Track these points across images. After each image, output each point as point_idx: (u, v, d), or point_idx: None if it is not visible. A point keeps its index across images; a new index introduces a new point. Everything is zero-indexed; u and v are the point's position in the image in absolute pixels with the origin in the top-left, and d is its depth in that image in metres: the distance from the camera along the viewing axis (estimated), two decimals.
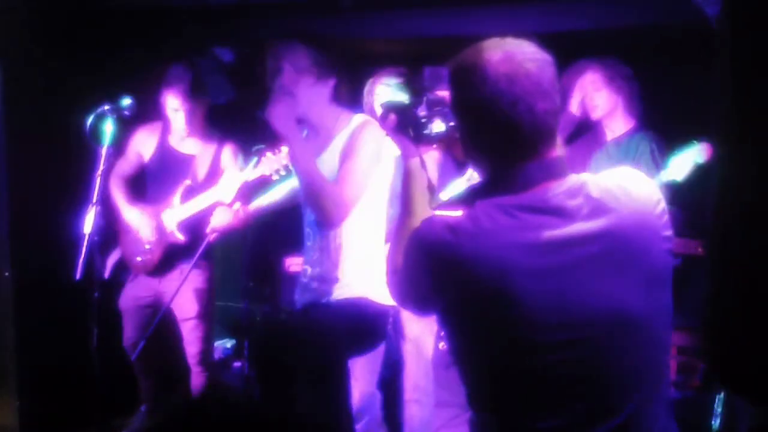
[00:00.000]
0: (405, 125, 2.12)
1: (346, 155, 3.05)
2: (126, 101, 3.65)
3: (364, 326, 3.10)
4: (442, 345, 4.70)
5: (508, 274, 1.66)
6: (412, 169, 2.11)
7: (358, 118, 3.17)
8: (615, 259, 1.69)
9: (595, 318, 1.68)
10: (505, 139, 1.74)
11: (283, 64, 3.07)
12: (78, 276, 3.45)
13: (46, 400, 4.34)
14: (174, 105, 4.04)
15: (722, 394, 3.52)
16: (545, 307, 1.66)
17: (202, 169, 4.16)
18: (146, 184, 4.19)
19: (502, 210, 1.72)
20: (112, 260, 4.14)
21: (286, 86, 3.05)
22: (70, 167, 4.13)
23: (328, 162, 3.11)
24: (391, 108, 2.18)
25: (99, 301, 3.43)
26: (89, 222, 3.40)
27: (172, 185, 4.10)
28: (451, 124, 2.05)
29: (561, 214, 1.70)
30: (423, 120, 2.09)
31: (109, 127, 3.55)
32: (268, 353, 2.97)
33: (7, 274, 4.18)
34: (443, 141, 2.09)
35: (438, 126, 2.07)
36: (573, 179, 1.76)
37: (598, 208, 1.71)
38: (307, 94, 3.08)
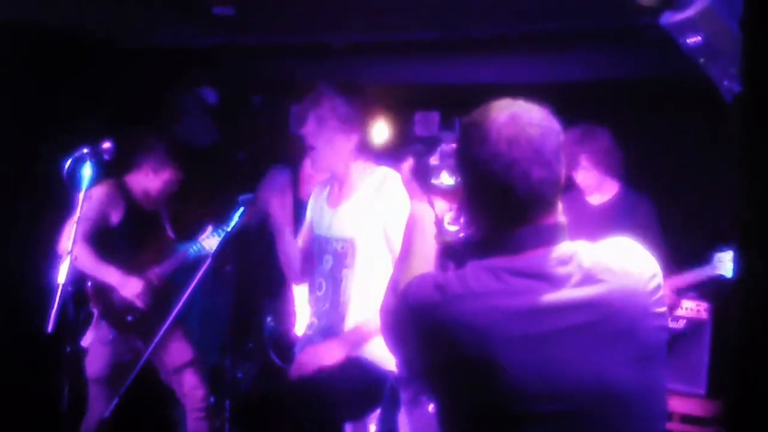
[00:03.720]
0: (418, 171, 2.12)
1: (387, 226, 3.01)
2: (106, 145, 3.49)
3: (363, 389, 2.99)
4: (431, 407, 4.60)
5: (491, 339, 1.61)
6: (418, 215, 2.08)
7: (382, 171, 3.12)
8: (602, 331, 1.64)
9: (580, 391, 1.62)
10: (498, 201, 1.71)
11: (309, 114, 3.07)
12: (50, 329, 3.25)
13: None
14: (156, 167, 4.04)
15: None
16: (528, 377, 1.61)
17: (170, 223, 4.18)
18: (114, 243, 4.04)
19: (490, 272, 1.68)
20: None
21: (310, 136, 3.07)
22: (43, 212, 3.98)
23: (349, 209, 3.10)
24: (409, 152, 2.18)
25: (71, 355, 3.22)
26: (63, 272, 3.20)
27: (142, 242, 4.06)
28: (456, 179, 2.02)
29: (550, 280, 1.66)
30: (434, 168, 2.07)
31: (87, 172, 3.37)
32: (257, 414, 2.88)
33: None
34: (449, 193, 2.05)
35: (446, 178, 2.05)
36: (566, 247, 1.71)
37: (587, 278, 1.67)
38: (331, 145, 3.07)
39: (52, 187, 3.82)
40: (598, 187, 4.10)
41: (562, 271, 1.67)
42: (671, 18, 3.11)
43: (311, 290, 3.22)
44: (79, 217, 3.40)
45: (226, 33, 4.25)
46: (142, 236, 4.08)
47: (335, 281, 3.10)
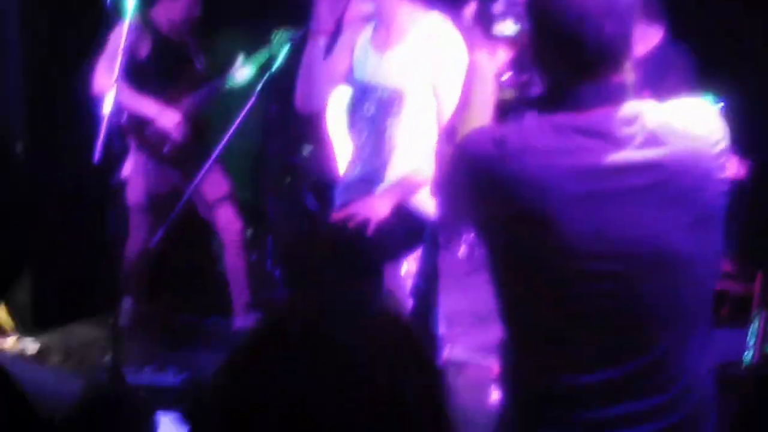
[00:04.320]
0: (480, 17, 2.03)
1: (439, 74, 2.89)
2: None
3: (404, 231, 3.00)
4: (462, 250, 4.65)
5: (549, 196, 1.60)
6: (478, 64, 2.01)
7: (434, 17, 2.98)
8: (661, 194, 1.62)
9: (635, 251, 1.62)
10: (566, 55, 1.66)
11: None
12: (97, 158, 3.30)
13: (59, 278, 4.29)
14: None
15: (756, 325, 3.44)
16: (584, 235, 1.60)
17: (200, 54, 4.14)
18: (145, 77, 4.00)
19: (552, 129, 1.65)
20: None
21: None
22: (90, 41, 3.93)
23: (397, 57, 2.98)
24: None
25: (115, 186, 3.28)
26: (108, 103, 3.21)
27: (173, 75, 4.05)
28: (522, 27, 1.94)
29: (612, 140, 1.63)
30: (497, 16, 1.99)
31: (130, 2, 3.32)
32: (296, 252, 2.90)
33: (21, 149, 4.06)
34: (512, 44, 1.99)
35: (510, 26, 1.97)
36: (631, 106, 1.66)
37: (651, 140, 1.63)
38: None
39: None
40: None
41: (625, 131, 1.63)
42: None
43: (350, 135, 3.17)
44: (116, 51, 3.39)
45: None
46: (172, 68, 4.05)
47: (378, 130, 3.03)
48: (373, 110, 3.04)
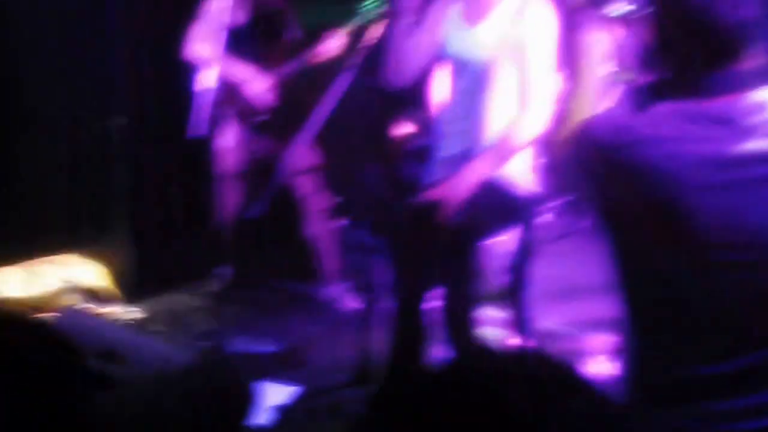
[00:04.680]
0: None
1: (527, 45, 2.87)
2: None
3: (505, 207, 2.99)
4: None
5: (678, 185, 1.56)
6: (590, 45, 1.97)
7: None
8: None
9: (765, 241, 1.57)
10: (696, 39, 1.60)
11: None
12: (193, 128, 3.36)
13: (160, 246, 4.40)
14: None
15: None
16: (713, 225, 1.56)
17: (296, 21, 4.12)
18: (241, 43, 4.01)
19: (680, 116, 1.60)
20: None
21: None
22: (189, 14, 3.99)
23: (489, 30, 2.95)
24: None
25: (213, 154, 3.32)
26: (206, 71, 3.25)
27: (270, 41, 4.06)
28: (635, 7, 1.91)
29: (740, 129, 1.58)
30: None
31: None
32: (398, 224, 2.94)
33: (120, 118, 4.16)
34: (626, 22, 1.98)
35: (624, 5, 1.98)
36: (759, 94, 1.61)
37: None
38: None
39: None
40: None
41: (753, 119, 1.58)
42: None
43: (446, 109, 3.15)
44: (212, 17, 3.42)
45: None
46: (267, 36, 4.06)
47: (472, 102, 3.01)
48: (467, 84, 3.02)
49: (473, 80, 3.00)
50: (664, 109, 1.63)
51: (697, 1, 1.57)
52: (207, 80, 3.58)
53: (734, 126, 1.58)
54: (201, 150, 3.88)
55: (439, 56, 3.11)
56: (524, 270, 3.22)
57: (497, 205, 2.96)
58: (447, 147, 3.12)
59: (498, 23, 2.93)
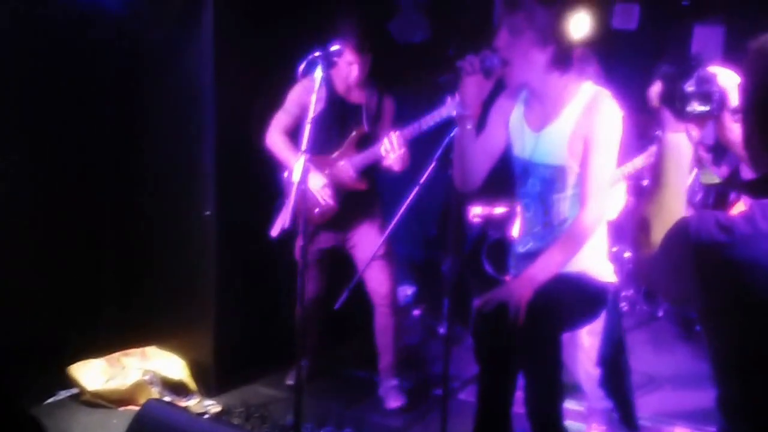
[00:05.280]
0: (671, 97, 1.98)
1: (590, 143, 2.88)
2: (335, 47, 3.58)
3: (585, 300, 2.97)
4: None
5: None
6: (672, 144, 1.96)
7: (589, 88, 2.96)
8: None
9: None
10: None
11: (502, 24, 2.88)
12: (288, 225, 3.44)
13: (237, 339, 4.44)
14: (349, 58, 4.00)
15: None
16: None
17: (370, 117, 4.16)
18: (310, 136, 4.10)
19: None
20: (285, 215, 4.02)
21: (504, 49, 2.86)
22: (275, 111, 4.14)
23: (555, 134, 2.96)
24: (661, 76, 2.04)
25: (302, 250, 3.37)
26: (298, 170, 3.34)
27: (341, 134, 4.12)
28: (714, 105, 1.93)
29: None
30: (688, 95, 1.95)
31: (318, 74, 3.46)
32: (486, 324, 2.82)
33: (208, 213, 4.25)
34: (702, 121, 1.95)
35: (701, 105, 1.94)
36: None
37: None
38: (526, 58, 2.87)
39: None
40: None
41: None
42: None
43: (521, 209, 3.16)
44: (292, 107, 3.62)
45: None
46: (342, 128, 4.13)
47: (545, 205, 3.02)
48: (539, 186, 3.03)
49: (544, 183, 3.01)
50: (762, 206, 1.62)
51: None
52: (290, 173, 3.64)
53: None
54: (281, 242, 3.93)
55: (509, 158, 3.12)
56: (620, 360, 3.20)
57: (576, 297, 2.93)
58: (525, 244, 3.13)
59: (565, 125, 2.94)
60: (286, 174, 4.07)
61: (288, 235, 3.87)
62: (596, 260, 3.01)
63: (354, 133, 4.10)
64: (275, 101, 4.11)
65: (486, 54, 2.84)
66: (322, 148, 4.07)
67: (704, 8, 5.51)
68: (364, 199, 4.17)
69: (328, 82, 4.08)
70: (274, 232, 3.97)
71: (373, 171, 4.12)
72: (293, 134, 4.07)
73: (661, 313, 5.35)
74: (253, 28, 4.31)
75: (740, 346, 1.68)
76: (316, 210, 4.08)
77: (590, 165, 2.88)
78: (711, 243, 1.61)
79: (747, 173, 1.82)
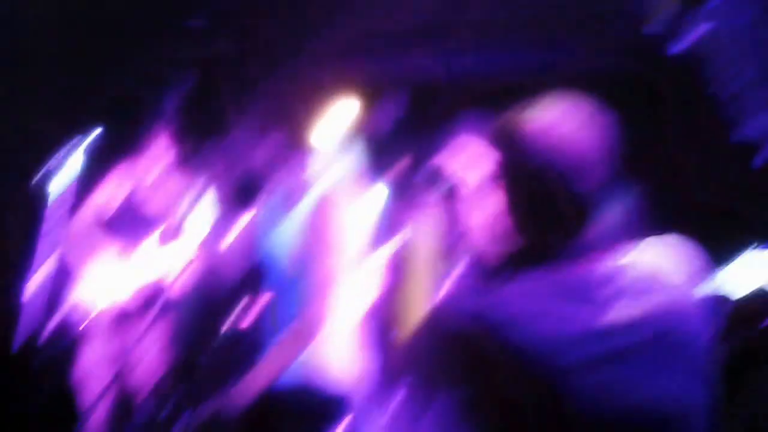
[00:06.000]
0: (417, 183, 1.98)
1: (313, 239, 2.91)
2: (95, 132, 3.27)
3: (319, 410, 2.91)
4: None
5: (539, 368, 1.50)
6: (420, 233, 1.92)
7: (320, 187, 3.00)
8: (659, 346, 1.55)
9: (648, 409, 1.52)
10: (546, 209, 1.59)
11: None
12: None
13: None
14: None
15: None
16: (597, 401, 1.50)
17: (179, 213, 3.89)
18: (113, 231, 3.84)
19: (538, 290, 1.55)
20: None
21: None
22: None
23: (288, 233, 3.01)
24: (407, 163, 2.20)
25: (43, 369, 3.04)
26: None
27: (146, 231, 3.85)
28: (450, 189, 1.90)
29: (600, 297, 1.55)
30: (427, 181, 1.95)
31: (71, 166, 3.15)
32: None
33: None
34: (443, 205, 1.92)
35: (439, 191, 1.93)
36: (613, 257, 1.60)
37: (639, 291, 1.56)
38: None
39: None
40: None
41: (613, 285, 1.56)
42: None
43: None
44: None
45: None
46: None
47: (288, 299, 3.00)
48: (280, 281, 3.03)
49: (284, 278, 3.00)
50: (512, 289, 1.57)
51: (546, 174, 1.56)
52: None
53: (589, 297, 1.55)
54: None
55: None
56: None
57: (315, 403, 2.87)
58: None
59: (297, 221, 2.96)
60: None
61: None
62: (334, 361, 2.94)
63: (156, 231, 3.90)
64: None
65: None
66: (125, 245, 3.81)
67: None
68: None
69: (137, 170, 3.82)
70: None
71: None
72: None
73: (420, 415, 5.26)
74: None
75: None
76: (110, 312, 3.75)
77: (332, 259, 2.89)
78: (464, 333, 1.55)
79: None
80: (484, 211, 1.74)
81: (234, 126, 3.26)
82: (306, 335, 2.85)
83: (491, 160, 1.69)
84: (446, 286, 1.90)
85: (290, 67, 4.11)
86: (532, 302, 1.55)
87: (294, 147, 3.02)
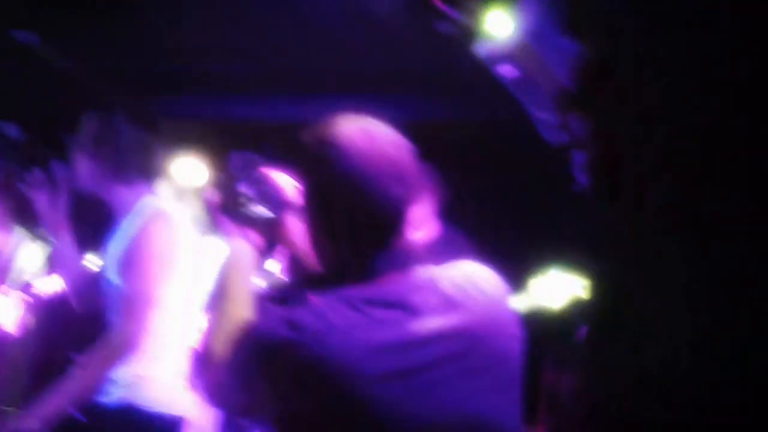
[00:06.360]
0: (227, 203, 1.92)
1: (131, 259, 2.82)
2: None
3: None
4: None
5: (357, 378, 1.49)
6: (234, 254, 1.86)
7: (149, 205, 2.91)
8: (469, 359, 1.55)
9: (456, 423, 1.52)
10: (350, 225, 1.59)
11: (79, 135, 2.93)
12: None
13: None
14: None
15: None
16: (404, 413, 1.50)
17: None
18: None
19: (348, 304, 1.54)
20: None
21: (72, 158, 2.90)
22: None
23: (113, 250, 2.90)
24: (215, 185, 2.04)
25: None
26: None
27: None
28: (272, 206, 1.88)
29: (411, 309, 1.55)
30: (244, 198, 1.89)
31: None
32: None
33: None
34: (264, 224, 1.89)
35: (259, 207, 1.89)
36: (421, 271, 1.62)
37: (448, 304, 1.57)
38: (87, 167, 2.92)
39: None
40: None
41: (422, 297, 1.56)
42: (486, 47, 3.13)
43: None
44: None
45: None
46: None
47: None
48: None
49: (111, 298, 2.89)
50: (328, 299, 1.55)
51: (348, 189, 1.56)
52: None
53: (403, 307, 1.54)
54: None
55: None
56: None
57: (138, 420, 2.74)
58: None
59: (121, 238, 2.89)
60: None
61: None
62: (156, 386, 2.80)
63: None
64: None
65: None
66: None
67: None
68: None
69: None
70: None
71: None
72: None
73: None
74: None
75: None
76: None
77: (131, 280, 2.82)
78: (279, 342, 1.51)
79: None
80: (300, 229, 1.75)
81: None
82: (118, 352, 2.73)
83: (298, 179, 1.71)
84: (261, 303, 1.83)
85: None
86: (345, 310, 1.54)
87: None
